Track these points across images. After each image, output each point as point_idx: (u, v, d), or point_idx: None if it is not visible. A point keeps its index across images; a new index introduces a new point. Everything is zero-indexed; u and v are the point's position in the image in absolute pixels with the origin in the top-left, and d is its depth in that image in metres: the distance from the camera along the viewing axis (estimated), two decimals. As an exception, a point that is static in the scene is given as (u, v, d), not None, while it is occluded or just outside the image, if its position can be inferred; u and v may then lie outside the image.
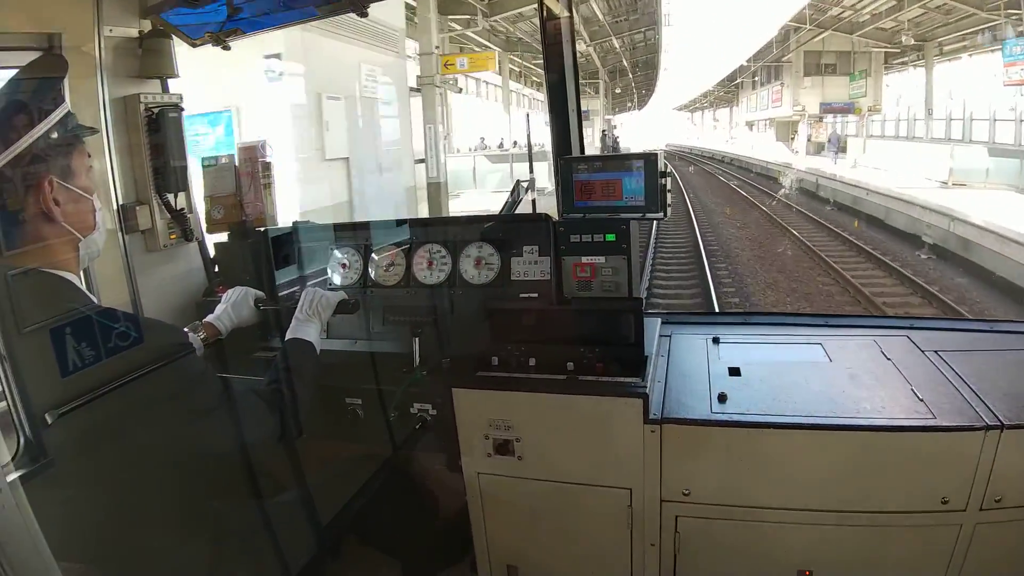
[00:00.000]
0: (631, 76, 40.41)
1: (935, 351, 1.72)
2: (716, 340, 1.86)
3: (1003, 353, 1.73)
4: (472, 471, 1.65)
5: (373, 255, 1.89)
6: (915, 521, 1.43)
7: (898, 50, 26.85)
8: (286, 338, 1.55)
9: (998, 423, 1.37)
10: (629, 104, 60.13)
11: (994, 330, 1.90)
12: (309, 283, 1.85)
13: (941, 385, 1.55)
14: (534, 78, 29.76)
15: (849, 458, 1.44)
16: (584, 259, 1.65)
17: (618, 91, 47.88)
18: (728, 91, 45.41)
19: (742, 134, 40.67)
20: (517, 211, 2.08)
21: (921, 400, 1.48)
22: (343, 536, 1.72)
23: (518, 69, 27.66)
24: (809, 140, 27.16)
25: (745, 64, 33.63)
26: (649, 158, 1.55)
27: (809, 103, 29.04)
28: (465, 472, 1.66)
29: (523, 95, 31.58)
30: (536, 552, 1.70)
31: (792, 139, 29.68)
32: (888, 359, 1.69)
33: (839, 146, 22.29)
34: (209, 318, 1.66)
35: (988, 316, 6.57)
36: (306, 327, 1.56)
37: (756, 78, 35.43)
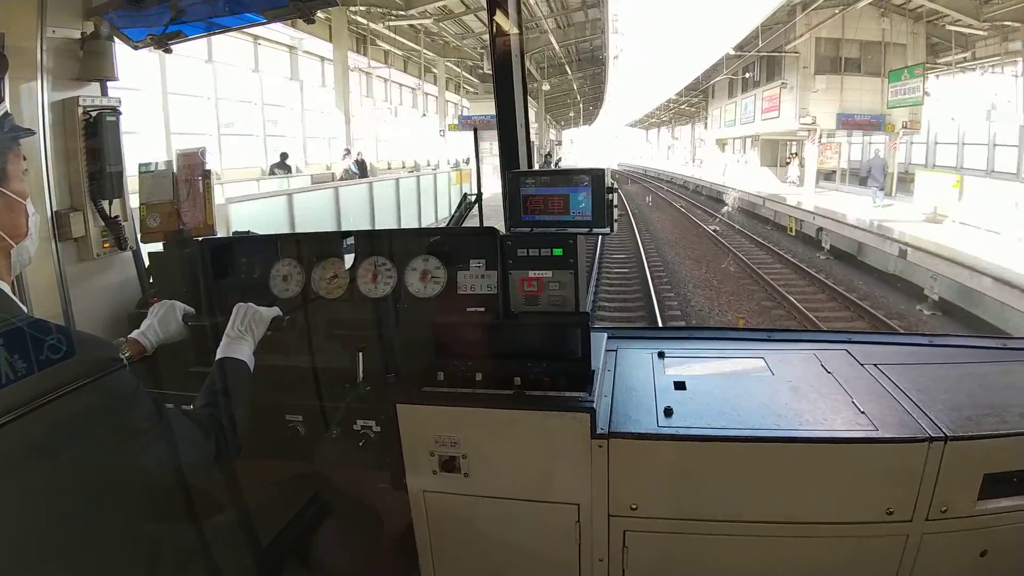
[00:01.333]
0: (575, 88, 36.12)
1: (875, 364, 1.76)
2: (661, 355, 1.87)
3: (942, 367, 1.78)
4: (417, 489, 1.61)
5: (316, 267, 1.84)
6: (861, 532, 1.45)
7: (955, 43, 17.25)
8: (217, 357, 1.48)
9: (942, 435, 1.40)
10: (573, 117, 52.76)
11: (933, 344, 1.97)
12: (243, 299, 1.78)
13: (882, 397, 1.59)
14: (467, 87, 27.20)
15: (794, 470, 1.45)
16: (531, 273, 1.64)
17: (569, 112, 45.22)
18: (693, 103, 37.42)
19: (710, 155, 33.36)
20: (464, 224, 2.07)
21: (863, 412, 1.51)
22: (284, 559, 1.65)
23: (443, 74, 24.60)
24: (796, 164, 21.60)
25: (732, 54, 22.56)
26: (596, 174, 1.56)
27: (822, 113, 19.08)
28: (410, 490, 1.62)
29: (451, 103, 28.03)
30: (484, 570, 1.67)
31: (786, 164, 23.12)
32: (829, 372, 1.73)
33: (884, 180, 15.42)
34: (134, 334, 1.59)
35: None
36: (238, 345, 1.50)
37: (746, 75, 24.50)
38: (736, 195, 20.37)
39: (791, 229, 14.27)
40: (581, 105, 45.13)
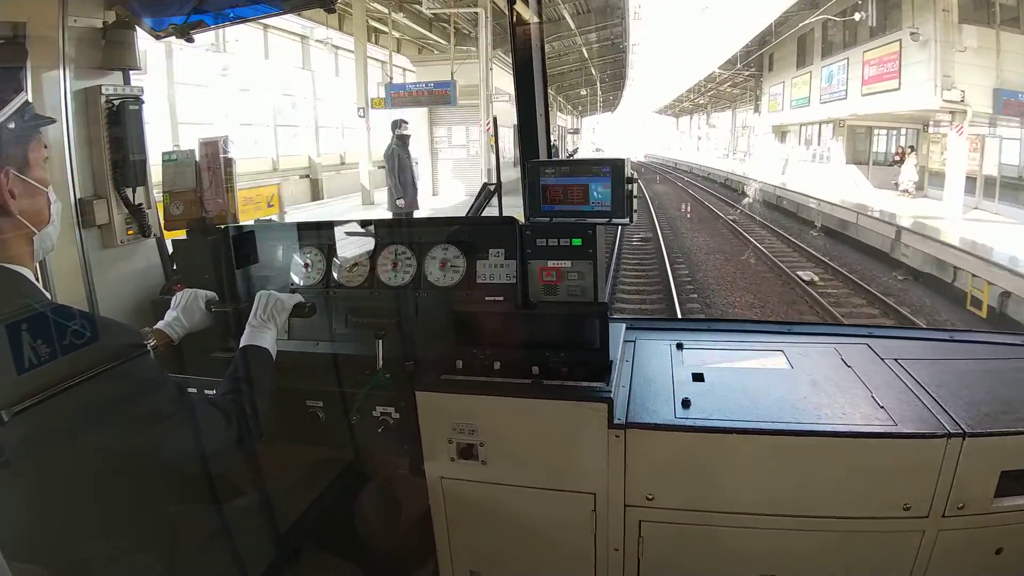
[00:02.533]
0: (595, 71, 31.61)
1: (895, 359, 1.75)
2: (680, 346, 1.87)
3: (962, 362, 1.77)
4: (435, 475, 1.63)
5: (337, 255, 1.85)
6: (877, 527, 1.45)
7: None
8: (240, 345, 1.49)
9: (960, 431, 1.39)
10: (592, 104, 47.44)
11: (953, 339, 1.95)
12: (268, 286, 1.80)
13: (901, 393, 1.57)
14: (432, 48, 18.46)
15: (811, 464, 1.45)
16: (550, 263, 1.64)
17: (583, 92, 39.95)
18: (738, 82, 28.90)
19: (763, 147, 25.59)
20: (484, 214, 2.07)
21: (882, 407, 1.50)
22: (303, 543, 1.68)
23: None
24: (912, 163, 14.11)
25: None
26: (616, 164, 1.55)
27: (972, 87, 11.41)
28: (428, 477, 1.63)
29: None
30: (500, 558, 1.69)
31: (895, 161, 15.85)
32: (848, 366, 1.72)
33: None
34: (159, 325, 1.61)
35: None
36: (261, 333, 1.52)
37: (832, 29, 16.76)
38: (814, 206, 13.77)
39: (969, 295, 7.59)
40: (599, 87, 39.92)
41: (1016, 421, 1.43)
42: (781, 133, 23.78)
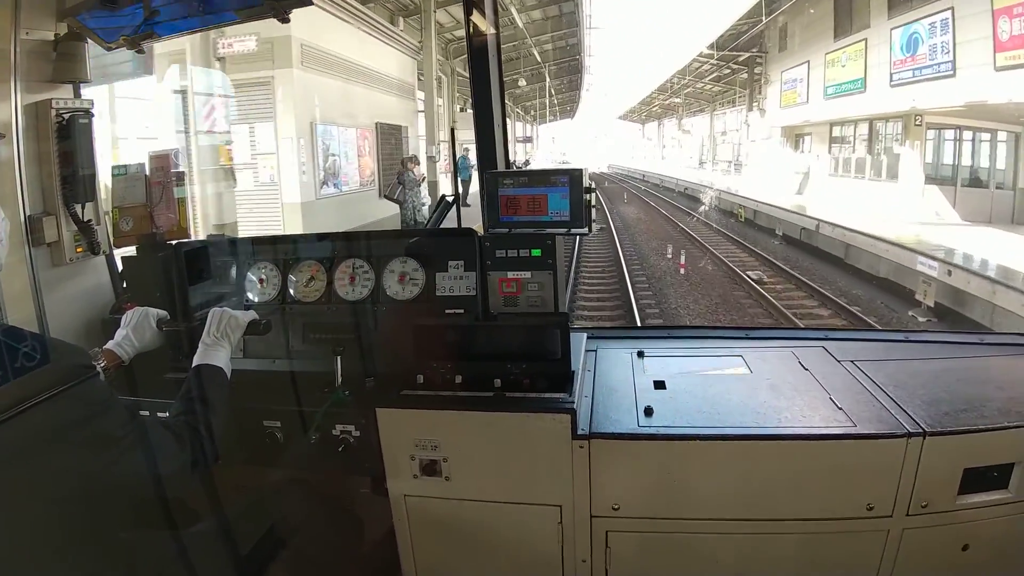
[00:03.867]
0: (548, 76, 28.22)
1: (851, 361, 1.78)
2: (641, 354, 1.87)
3: (919, 362, 1.80)
4: (398, 493, 1.60)
5: (292, 270, 1.82)
6: (842, 528, 1.46)
7: None
8: (193, 364, 1.45)
9: (920, 430, 1.41)
10: (548, 110, 41.39)
11: (908, 340, 1.99)
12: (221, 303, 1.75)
13: (859, 394, 1.60)
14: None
15: (773, 467, 1.46)
16: (510, 274, 1.64)
17: (531, 91, 35.63)
18: (724, 75, 24.96)
19: (766, 156, 19.90)
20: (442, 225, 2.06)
21: (840, 409, 1.52)
22: (264, 566, 1.63)
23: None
24: None
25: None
26: (574, 174, 1.56)
27: None
28: (391, 495, 1.60)
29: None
30: (467, 574, 1.66)
31: None
32: (806, 369, 1.74)
33: None
34: (109, 345, 1.56)
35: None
36: (215, 351, 1.48)
37: None
38: (905, 262, 8.38)
39: None
40: (552, 90, 33.92)
41: (977, 419, 1.46)
42: (795, 137, 17.75)
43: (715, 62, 21.95)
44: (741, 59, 21.17)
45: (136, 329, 1.58)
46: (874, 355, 1.83)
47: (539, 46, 22.33)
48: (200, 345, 1.49)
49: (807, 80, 16.09)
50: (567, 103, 46.24)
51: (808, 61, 15.77)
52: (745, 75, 23.23)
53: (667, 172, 30.97)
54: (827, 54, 14.42)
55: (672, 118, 42.77)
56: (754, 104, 22.01)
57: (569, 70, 30.91)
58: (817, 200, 13.43)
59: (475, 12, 1.70)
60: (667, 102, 38.97)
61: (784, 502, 1.47)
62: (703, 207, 17.62)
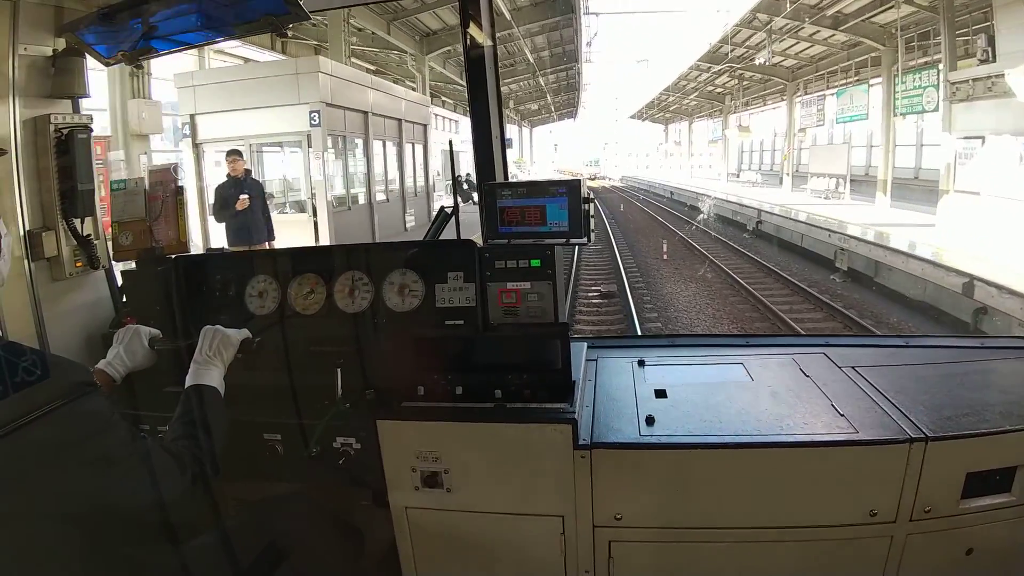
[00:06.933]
0: (540, 73, 24.73)
1: (852, 367, 1.78)
2: (642, 363, 1.87)
3: (920, 367, 1.80)
4: (400, 505, 1.59)
5: (292, 283, 1.82)
6: (846, 535, 1.46)
7: None
8: (186, 384, 1.45)
9: (923, 435, 1.41)
10: (544, 110, 38.32)
11: (909, 345, 1.99)
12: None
13: (861, 400, 1.60)
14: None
15: (776, 475, 1.46)
16: (509, 285, 1.64)
17: (532, 107, 34.33)
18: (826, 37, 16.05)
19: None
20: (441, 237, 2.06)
21: (842, 415, 1.52)
22: None
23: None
24: None
25: None
26: (572, 185, 1.56)
27: None
28: (393, 507, 1.60)
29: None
30: None
31: None
32: (807, 376, 1.74)
33: None
34: (100, 364, 1.55)
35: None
36: (207, 371, 1.47)
37: None
38: None
39: None
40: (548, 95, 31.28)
41: (979, 423, 1.46)
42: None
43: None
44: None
45: (128, 348, 1.57)
46: (875, 361, 1.83)
47: (529, 37, 19.67)
48: (192, 364, 1.48)
49: None
50: (566, 102, 40.36)
51: None
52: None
53: (699, 186, 21.41)
54: None
55: (713, 113, 30.80)
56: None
57: (564, 58, 25.52)
58: None
59: (472, 24, 1.72)
60: (710, 89, 27.60)
61: (787, 510, 1.46)
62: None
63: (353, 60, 16.45)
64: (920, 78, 13.50)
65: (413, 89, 17.08)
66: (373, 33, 15.42)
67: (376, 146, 13.50)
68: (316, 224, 10.79)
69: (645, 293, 9.66)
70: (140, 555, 1.25)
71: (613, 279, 10.62)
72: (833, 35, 16.39)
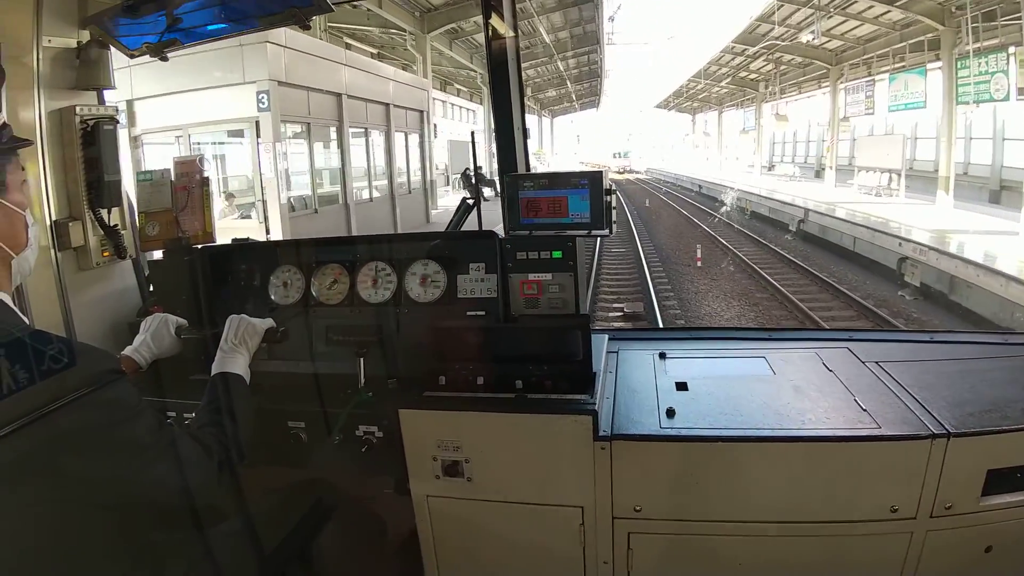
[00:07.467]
0: (559, 60, 23.65)
1: (876, 362, 1.76)
2: (663, 355, 1.87)
3: (944, 363, 1.78)
4: (421, 494, 1.61)
5: (316, 273, 1.83)
6: (866, 530, 1.46)
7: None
8: (212, 372, 1.47)
9: (944, 432, 1.40)
10: (565, 99, 36.89)
11: (933, 340, 1.97)
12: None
13: (884, 395, 1.59)
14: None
15: (796, 469, 1.45)
16: (531, 276, 1.64)
17: (551, 94, 33.75)
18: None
19: None
20: (463, 228, 2.06)
21: (864, 410, 1.51)
22: (287, 566, 1.65)
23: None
24: None
25: None
26: (594, 176, 1.56)
27: None
28: (414, 495, 1.62)
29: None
30: (488, 574, 1.67)
31: None
32: (830, 371, 1.73)
33: None
34: (127, 350, 1.57)
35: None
36: (232, 359, 1.49)
37: None
38: None
39: None
40: (568, 82, 29.42)
41: (1001, 420, 1.45)
42: None
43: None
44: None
45: (155, 335, 1.60)
46: (899, 356, 1.81)
47: (544, 13, 18.92)
48: (218, 352, 1.50)
49: None
50: (587, 90, 38.72)
51: None
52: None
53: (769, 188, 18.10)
54: None
55: (746, 101, 28.30)
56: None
57: (584, 39, 23.87)
58: None
59: (494, 15, 1.71)
60: (746, 75, 25.14)
61: (807, 504, 1.46)
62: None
63: (354, 43, 15.86)
64: (986, 63, 12.37)
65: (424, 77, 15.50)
66: (368, 10, 13.94)
67: (354, 136, 11.57)
68: (268, 231, 8.96)
69: (679, 316, 8.28)
70: (167, 541, 1.27)
71: (639, 294, 9.20)
72: (888, 11, 15.02)
